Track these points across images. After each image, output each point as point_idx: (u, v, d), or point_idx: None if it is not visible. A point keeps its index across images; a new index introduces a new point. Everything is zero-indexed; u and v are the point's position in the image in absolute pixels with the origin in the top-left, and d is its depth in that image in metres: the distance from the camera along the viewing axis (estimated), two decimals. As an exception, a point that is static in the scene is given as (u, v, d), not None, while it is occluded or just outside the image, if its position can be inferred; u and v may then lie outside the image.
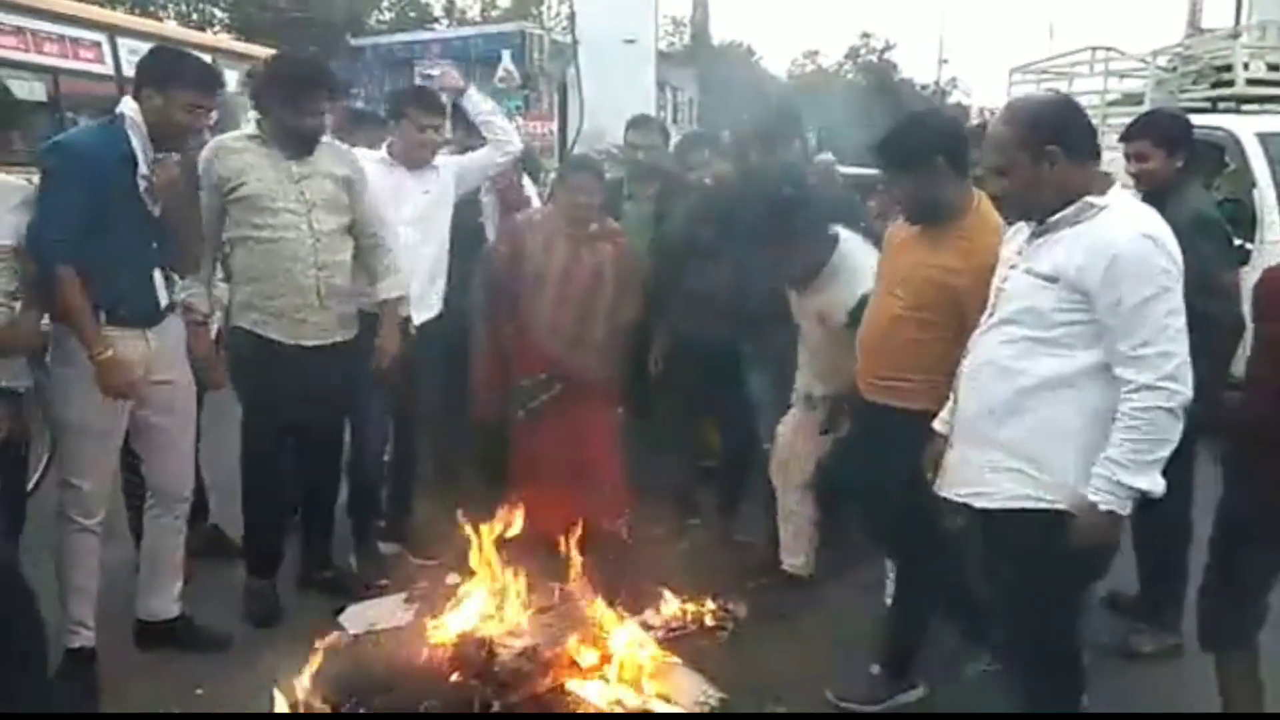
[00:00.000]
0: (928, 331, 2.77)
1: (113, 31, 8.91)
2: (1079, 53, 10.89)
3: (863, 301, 3.16)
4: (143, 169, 2.94)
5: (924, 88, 35.69)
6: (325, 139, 3.53)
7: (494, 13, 32.84)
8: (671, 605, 3.49)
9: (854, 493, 3.26)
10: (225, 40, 11.98)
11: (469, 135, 4.44)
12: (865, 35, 38.81)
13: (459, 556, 3.34)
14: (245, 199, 3.31)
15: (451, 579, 3.39)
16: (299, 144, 3.37)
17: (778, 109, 4.46)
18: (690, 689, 3.04)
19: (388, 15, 31.65)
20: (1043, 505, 2.29)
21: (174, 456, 3.23)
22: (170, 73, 2.96)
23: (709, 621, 3.52)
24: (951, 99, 36.66)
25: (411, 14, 32.43)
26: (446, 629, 3.05)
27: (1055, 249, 2.27)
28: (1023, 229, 2.42)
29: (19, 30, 7.93)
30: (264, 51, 11.92)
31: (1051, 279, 2.25)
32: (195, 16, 24.21)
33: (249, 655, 3.21)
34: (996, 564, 2.47)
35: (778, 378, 3.88)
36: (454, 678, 2.83)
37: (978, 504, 2.41)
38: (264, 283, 3.37)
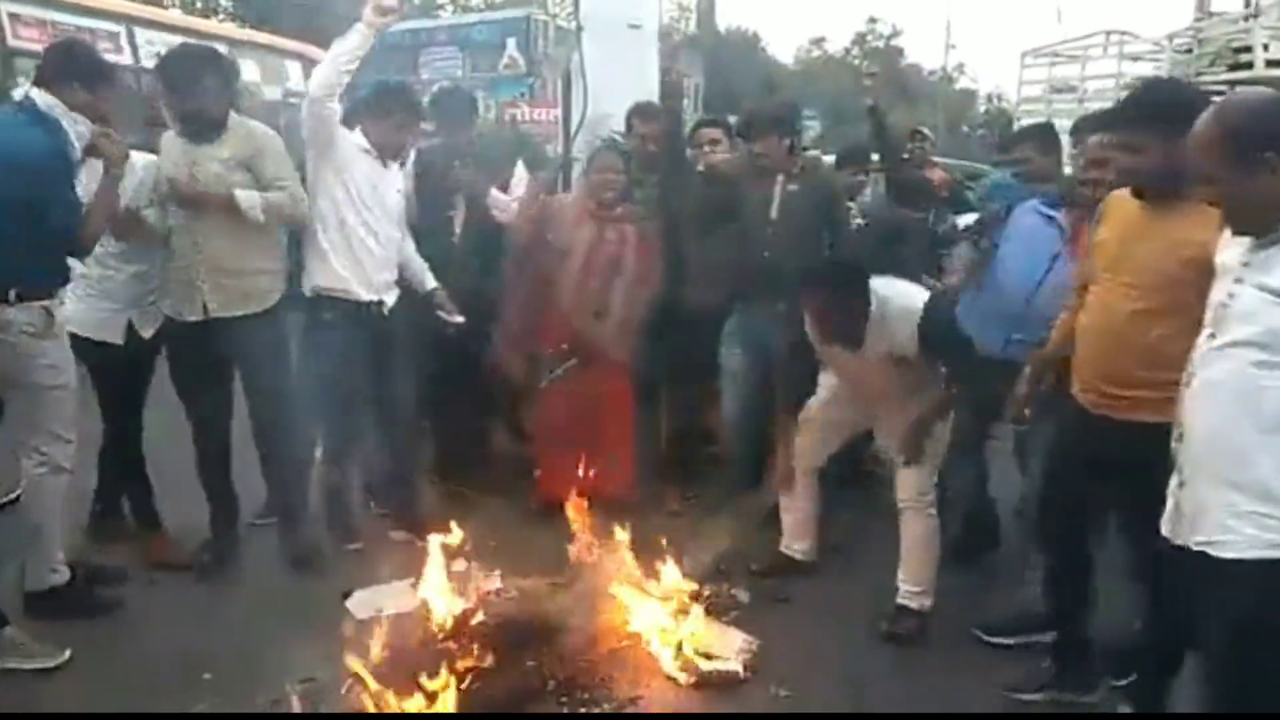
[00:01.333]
0: (1174, 323, 2.48)
1: (130, 22, 9.25)
2: (1092, 36, 10.80)
3: (931, 307, 3.23)
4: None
5: (931, 73, 35.53)
6: (236, 120, 3.70)
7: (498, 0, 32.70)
8: (675, 589, 3.50)
9: (1087, 533, 2.93)
10: (251, 33, 12.08)
11: (452, 131, 4.46)
12: (872, 21, 38.60)
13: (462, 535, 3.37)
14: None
15: (459, 564, 3.39)
16: (193, 130, 3.60)
17: (767, 103, 4.46)
18: (731, 643, 3.22)
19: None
20: None
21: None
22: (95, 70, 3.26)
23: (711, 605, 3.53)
24: (958, 85, 36.50)
25: (416, 1, 32.35)
26: (484, 610, 3.11)
27: None
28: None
29: (40, 22, 8.26)
30: (287, 44, 12.29)
31: None
32: (200, 4, 24.14)
33: (261, 638, 3.23)
34: (1226, 617, 2.12)
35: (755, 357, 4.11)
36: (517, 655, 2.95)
37: (1214, 553, 2.09)
38: (167, 264, 3.72)
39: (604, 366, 4.27)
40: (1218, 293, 2.15)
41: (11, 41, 8.05)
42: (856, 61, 36.65)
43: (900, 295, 3.33)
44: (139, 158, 3.63)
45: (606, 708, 2.93)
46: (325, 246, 3.85)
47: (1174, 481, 2.20)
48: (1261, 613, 2.04)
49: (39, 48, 7.75)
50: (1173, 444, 2.20)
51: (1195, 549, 2.12)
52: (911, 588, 3.46)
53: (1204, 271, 2.37)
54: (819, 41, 38.01)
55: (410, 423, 4.29)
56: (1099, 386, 2.69)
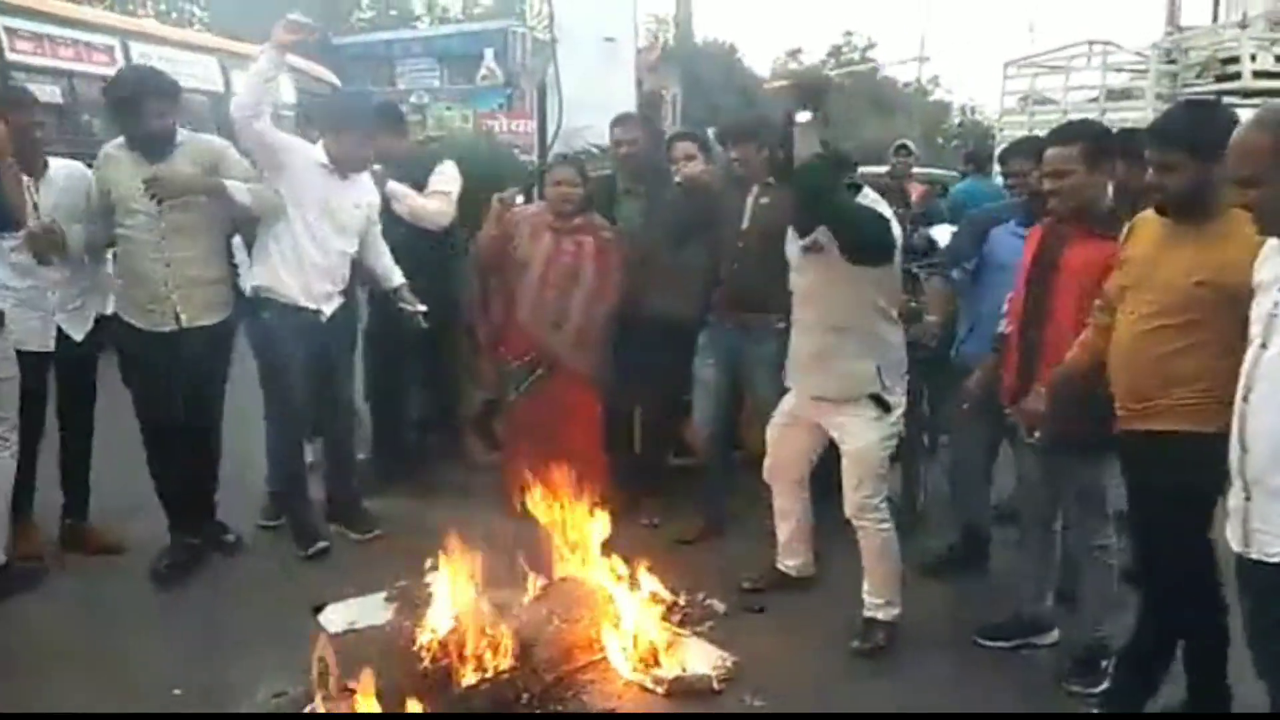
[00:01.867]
0: (1195, 339, 2.54)
1: (125, 36, 9.68)
2: (1075, 46, 10.80)
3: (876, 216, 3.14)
4: None
5: (905, 85, 35.79)
6: (186, 135, 3.81)
7: (476, 10, 32.74)
8: (650, 600, 3.50)
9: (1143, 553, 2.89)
10: (242, 45, 12.34)
11: (393, 139, 4.57)
12: (848, 34, 38.82)
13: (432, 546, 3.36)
14: (114, 203, 3.73)
15: (430, 576, 3.38)
16: (148, 148, 3.69)
17: (745, 113, 4.49)
18: (706, 657, 3.23)
19: (369, 14, 31.52)
20: None
21: None
22: None
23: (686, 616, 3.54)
24: (933, 97, 36.82)
25: (392, 12, 32.32)
26: (460, 622, 3.09)
27: None
28: (1277, 245, 2.20)
29: (36, 36, 8.58)
30: (298, 60, 12.76)
31: None
32: (174, 15, 24.01)
33: (230, 653, 3.20)
34: None
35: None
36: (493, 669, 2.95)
37: None
38: (126, 277, 3.83)
39: (567, 376, 4.36)
40: (1264, 304, 2.16)
41: (10, 55, 8.27)
42: (833, 73, 36.89)
43: (879, 203, 3.30)
44: (60, 169, 3.79)
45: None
46: (271, 250, 3.95)
47: (1238, 495, 2.19)
48: None
49: (36, 61, 8.48)
50: (1232, 458, 2.20)
51: (1271, 562, 2.11)
52: (875, 599, 3.45)
53: (1220, 293, 2.45)
54: (795, 53, 38.19)
55: (345, 428, 4.39)
56: (1125, 404, 2.73)
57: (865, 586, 3.46)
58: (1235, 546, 2.22)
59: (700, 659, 3.22)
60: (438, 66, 21.48)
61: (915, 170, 8.97)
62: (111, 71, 7.97)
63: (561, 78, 5.40)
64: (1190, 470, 2.50)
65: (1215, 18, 12.14)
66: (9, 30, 8.27)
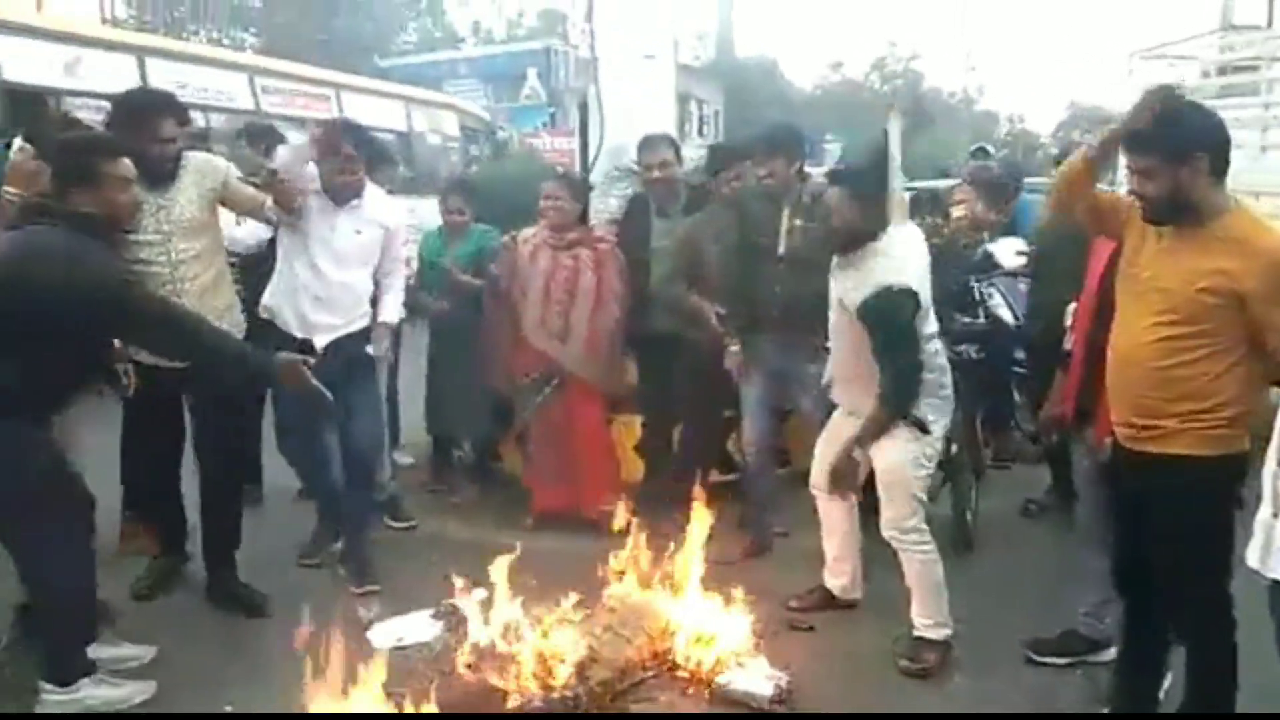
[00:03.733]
0: (1206, 349, 2.44)
1: (252, 73, 11.22)
2: (1207, 36, 10.33)
3: (881, 294, 3.13)
4: None
5: (951, 95, 35.54)
6: (191, 154, 3.75)
7: (519, 31, 33.10)
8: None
9: (1144, 581, 2.75)
10: (413, 90, 15.11)
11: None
12: (891, 44, 38.66)
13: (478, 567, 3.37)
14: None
15: (478, 593, 3.38)
16: (152, 174, 3.53)
17: (774, 128, 4.43)
18: (763, 674, 3.15)
19: (414, 36, 32.02)
20: None
21: None
22: None
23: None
24: (979, 106, 36.49)
25: (437, 34, 32.80)
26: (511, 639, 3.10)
27: None
28: None
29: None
30: (441, 97, 15.54)
31: None
32: (226, 42, 24.61)
33: (278, 671, 3.24)
34: None
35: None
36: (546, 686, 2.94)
37: None
38: None
39: (575, 386, 4.51)
40: None
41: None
42: (876, 85, 36.73)
43: (912, 251, 3.29)
44: None
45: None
46: (277, 277, 4.01)
47: (1266, 513, 2.13)
48: None
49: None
50: (1266, 474, 2.13)
51: None
52: (924, 620, 3.38)
53: (1229, 300, 2.37)
54: (838, 66, 38.07)
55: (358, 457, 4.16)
56: (1129, 420, 2.61)
57: (913, 607, 3.41)
58: (1252, 563, 2.15)
59: (754, 677, 3.15)
60: (482, 86, 21.76)
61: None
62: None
63: (603, 95, 5.44)
64: (1204, 495, 2.41)
65: (1270, 18, 11.82)
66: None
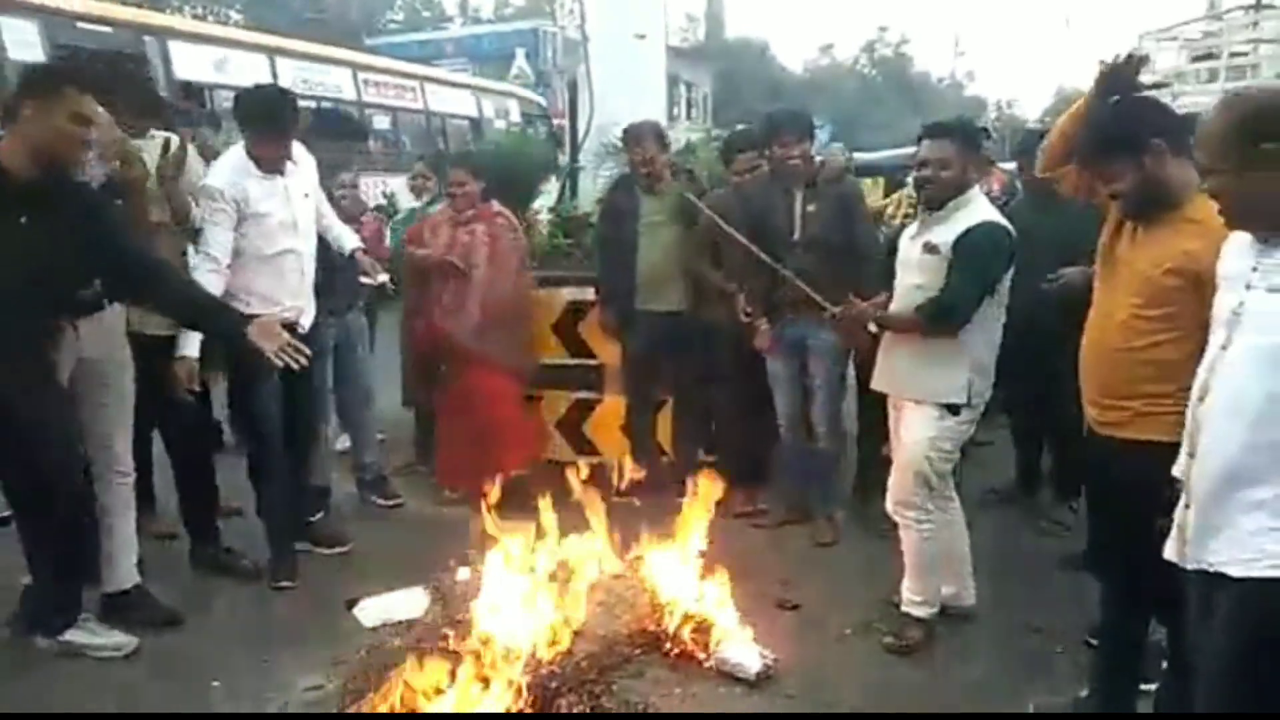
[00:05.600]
0: (1171, 333, 2.45)
1: (356, 68, 13.24)
2: (1231, 13, 10.09)
3: (983, 225, 3.16)
4: None
5: (940, 80, 35.53)
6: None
7: (507, 10, 32.89)
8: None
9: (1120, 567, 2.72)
10: (478, 80, 17.66)
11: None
12: (881, 29, 38.62)
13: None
14: None
15: (463, 571, 3.39)
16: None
17: (786, 110, 4.42)
18: (750, 652, 3.17)
19: (401, 15, 31.77)
20: None
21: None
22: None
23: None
24: (967, 91, 36.50)
25: (425, 13, 32.56)
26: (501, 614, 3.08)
27: None
28: (1243, 239, 2.06)
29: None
30: (505, 86, 17.18)
31: None
32: (210, 18, 24.35)
33: (266, 647, 3.26)
34: (1238, 637, 2.00)
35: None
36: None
37: (1236, 573, 1.97)
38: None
39: (478, 363, 4.58)
40: (1226, 302, 2.04)
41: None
42: (865, 69, 36.70)
43: (988, 208, 3.29)
44: None
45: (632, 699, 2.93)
46: (243, 268, 3.74)
47: (1181, 502, 2.10)
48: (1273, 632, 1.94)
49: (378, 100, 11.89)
50: (1180, 463, 2.11)
51: (1211, 571, 2.00)
52: (912, 595, 3.40)
53: (1190, 281, 2.38)
54: (828, 49, 38.00)
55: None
56: (1096, 400, 2.64)
57: (904, 582, 3.42)
58: (1169, 554, 2.12)
59: (744, 651, 3.17)
60: (470, 66, 21.64)
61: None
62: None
63: (593, 75, 5.42)
64: (1164, 482, 2.32)
65: (1259, 4, 11.80)
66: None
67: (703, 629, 3.22)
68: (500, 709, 2.71)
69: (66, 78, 2.99)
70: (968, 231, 3.19)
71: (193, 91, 9.89)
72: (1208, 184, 2.05)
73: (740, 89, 30.57)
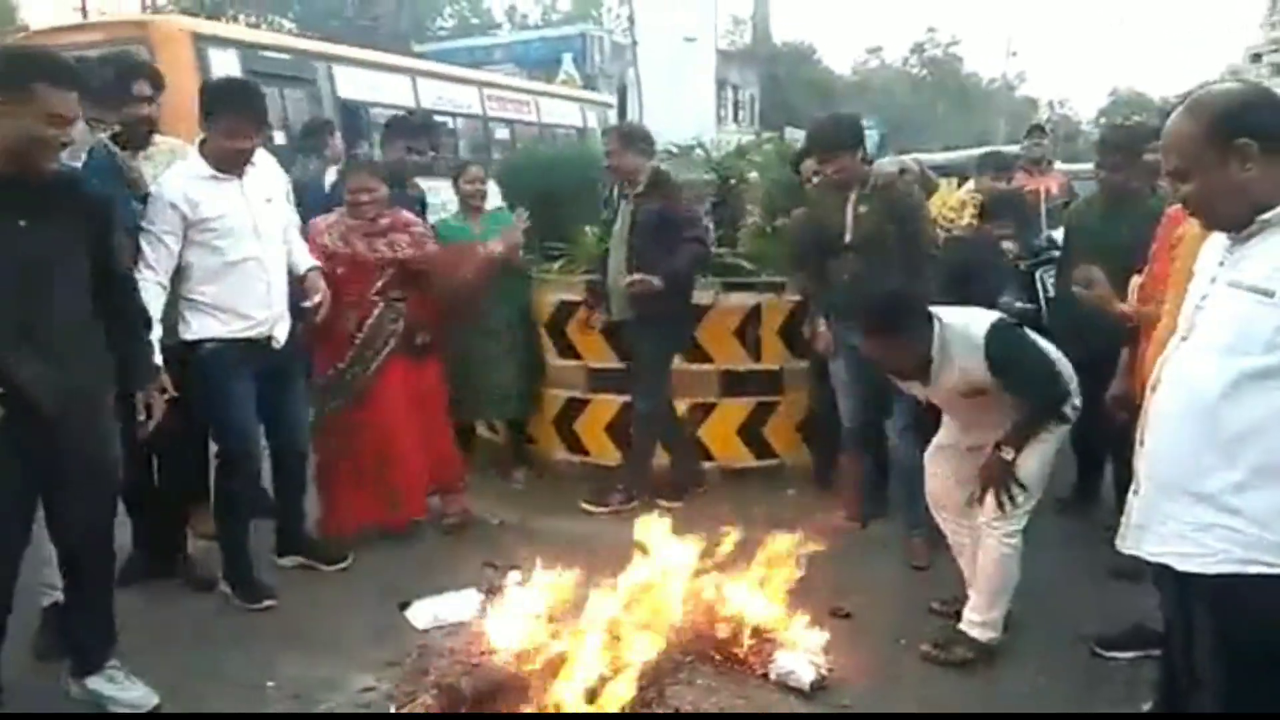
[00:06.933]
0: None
1: (480, 85, 14.57)
2: None
3: (993, 336, 3.07)
4: None
5: (992, 81, 35.06)
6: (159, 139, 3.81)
7: (554, 16, 33.08)
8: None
9: None
10: (548, 86, 17.33)
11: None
12: (930, 30, 38.19)
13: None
14: None
15: (514, 576, 3.38)
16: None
17: (834, 119, 4.38)
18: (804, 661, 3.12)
19: (450, 22, 32.09)
20: (1260, 570, 1.88)
21: None
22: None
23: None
24: (1019, 92, 35.97)
25: (474, 20, 32.86)
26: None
27: (1270, 254, 1.87)
28: (1221, 235, 2.02)
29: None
30: (574, 91, 15.50)
31: (1267, 292, 1.84)
32: (263, 26, 24.80)
33: (320, 647, 3.28)
34: (1199, 634, 2.03)
35: None
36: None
37: (1179, 566, 1.98)
38: None
39: (394, 378, 4.23)
40: (1193, 296, 2.03)
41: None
42: (914, 70, 36.30)
43: (963, 325, 3.14)
44: None
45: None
46: (206, 282, 3.57)
47: (1131, 489, 2.10)
48: (1229, 630, 1.93)
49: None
50: (1137, 451, 2.10)
51: (1153, 560, 2.03)
52: (974, 616, 3.25)
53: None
54: (876, 51, 37.65)
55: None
56: None
57: (971, 598, 3.29)
58: (1118, 540, 2.10)
59: (798, 661, 3.11)
60: (518, 71, 21.83)
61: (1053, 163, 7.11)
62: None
63: (642, 78, 5.41)
64: None
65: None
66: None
67: (757, 636, 3.17)
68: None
69: (39, 72, 2.54)
70: None
71: (351, 108, 11.47)
72: (1182, 190, 1.98)
73: (787, 92, 30.37)
